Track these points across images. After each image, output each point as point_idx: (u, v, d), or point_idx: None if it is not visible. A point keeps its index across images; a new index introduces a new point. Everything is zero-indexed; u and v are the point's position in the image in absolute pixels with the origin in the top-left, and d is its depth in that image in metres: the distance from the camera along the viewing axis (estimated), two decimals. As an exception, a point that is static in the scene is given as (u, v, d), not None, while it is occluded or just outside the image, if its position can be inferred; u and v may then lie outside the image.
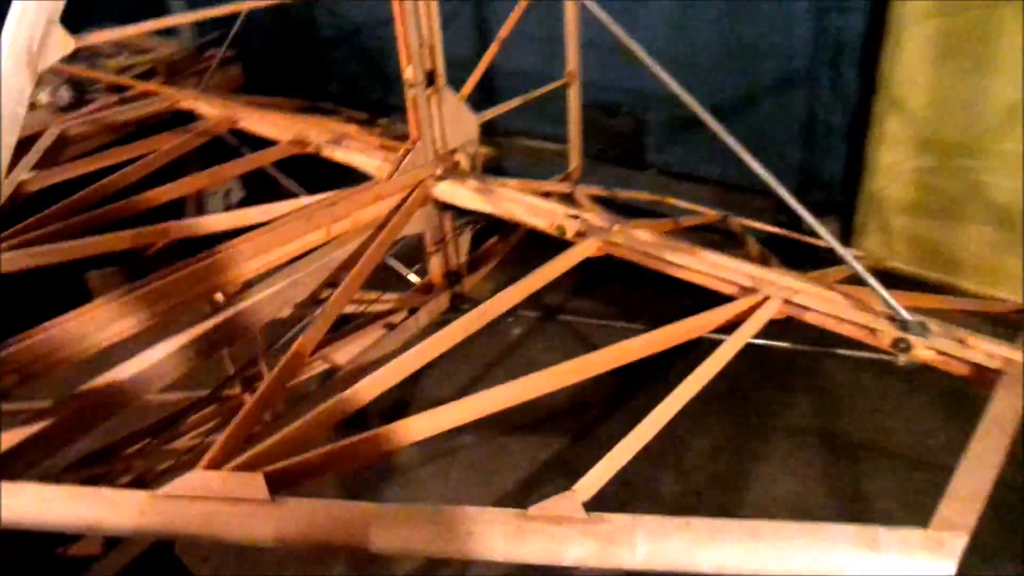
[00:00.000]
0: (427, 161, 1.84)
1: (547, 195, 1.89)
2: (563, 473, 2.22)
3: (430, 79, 1.78)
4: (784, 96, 2.73)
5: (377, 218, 1.72)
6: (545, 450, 2.27)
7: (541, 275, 1.47)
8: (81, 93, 2.83)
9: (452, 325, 1.38)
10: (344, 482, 2.09)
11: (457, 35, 3.28)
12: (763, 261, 1.87)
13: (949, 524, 0.88)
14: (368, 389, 1.23)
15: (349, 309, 1.83)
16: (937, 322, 1.25)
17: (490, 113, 2.04)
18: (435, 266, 1.99)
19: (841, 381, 2.53)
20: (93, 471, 1.50)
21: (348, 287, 1.49)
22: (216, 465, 1.05)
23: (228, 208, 2.79)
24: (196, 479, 1.02)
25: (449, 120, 1.85)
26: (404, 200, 1.76)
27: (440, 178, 1.84)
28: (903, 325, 1.23)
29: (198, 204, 2.86)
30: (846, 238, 2.83)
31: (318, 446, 1.11)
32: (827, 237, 1.38)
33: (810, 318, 1.32)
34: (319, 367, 1.86)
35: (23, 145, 2.34)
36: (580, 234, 1.60)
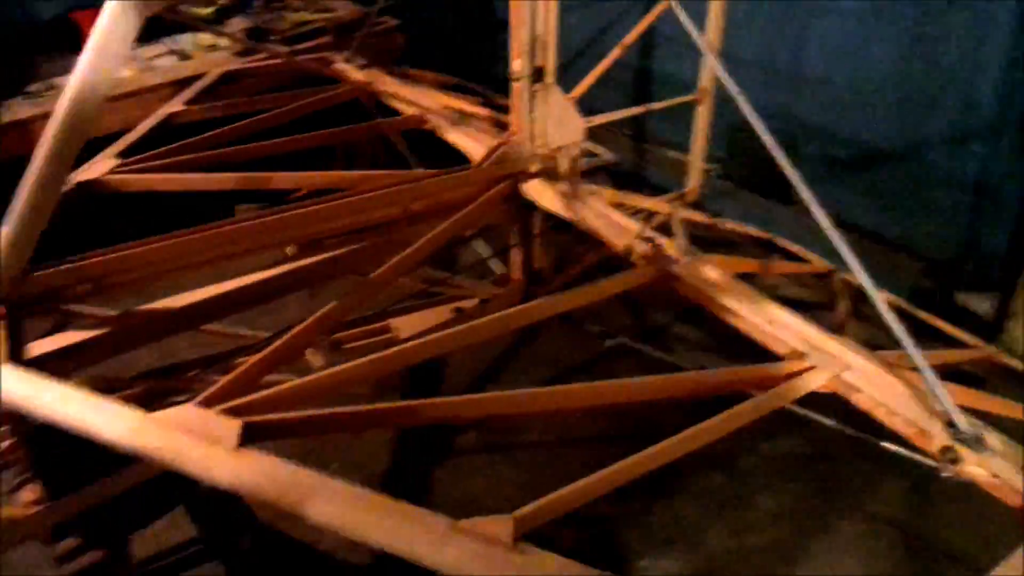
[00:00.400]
0: (522, 156, 1.83)
1: (640, 212, 1.82)
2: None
3: (538, 75, 1.76)
4: (957, 150, 2.45)
5: (457, 203, 1.73)
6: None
7: (587, 293, 1.42)
8: (258, 39, 3.08)
9: (486, 320, 1.37)
10: (393, 448, 2.14)
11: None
12: (841, 327, 1.69)
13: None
14: (388, 361, 1.26)
15: (420, 286, 1.87)
16: (1003, 439, 1.08)
17: (599, 119, 1.99)
18: (516, 261, 1.98)
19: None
20: (153, 385, 1.64)
21: (402, 261, 1.51)
22: (208, 403, 1.12)
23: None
24: (183, 413, 1.09)
25: (553, 119, 1.82)
26: (488, 190, 1.77)
27: (532, 175, 1.83)
28: (956, 432, 1.07)
29: (345, 159, 3.02)
30: (1000, 322, 2.51)
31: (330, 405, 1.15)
32: (871, 292, 1.21)
33: (859, 400, 1.18)
34: (383, 336, 1.91)
35: (189, 81, 2.59)
36: (646, 258, 1.53)
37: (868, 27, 2.52)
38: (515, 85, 1.78)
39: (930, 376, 1.10)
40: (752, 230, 2.30)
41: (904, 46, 2.46)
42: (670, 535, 2.04)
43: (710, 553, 2.04)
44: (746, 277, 1.54)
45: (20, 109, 2.58)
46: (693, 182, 2.32)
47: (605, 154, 2.36)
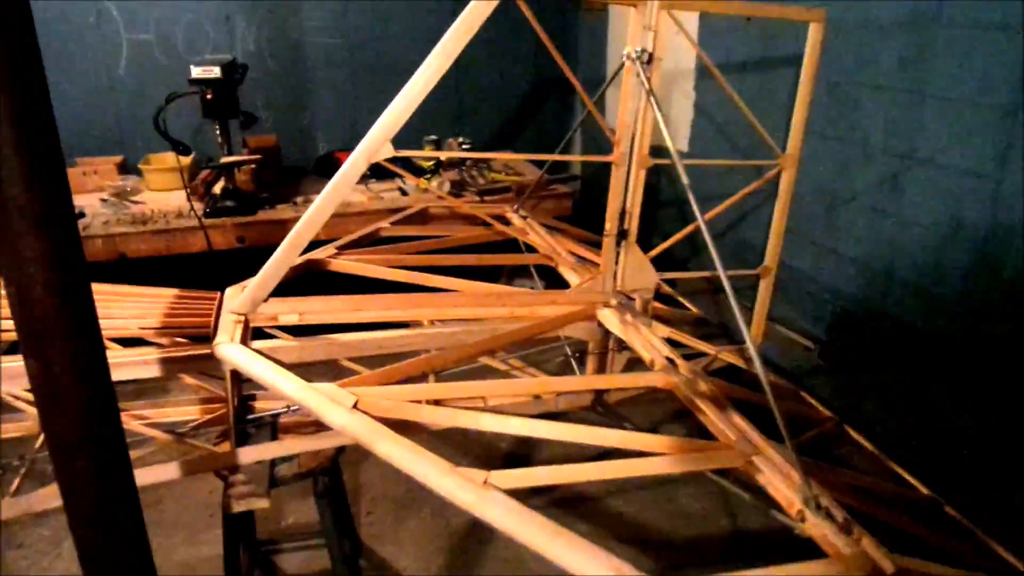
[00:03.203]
0: (602, 290, 2.48)
1: (678, 347, 2.38)
2: None
3: (623, 235, 2.44)
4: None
5: (548, 316, 2.41)
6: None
7: (604, 381, 2.00)
8: (459, 189, 4.07)
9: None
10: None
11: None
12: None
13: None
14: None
15: (502, 367, 2.53)
16: (846, 515, 1.50)
17: (669, 274, 2.60)
18: (591, 367, 2.59)
19: None
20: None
21: (489, 340, 2.20)
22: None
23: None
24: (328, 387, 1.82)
25: (631, 268, 2.48)
26: (573, 311, 2.43)
27: (608, 305, 2.47)
28: (807, 501, 1.51)
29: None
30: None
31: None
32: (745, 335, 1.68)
33: (758, 477, 1.65)
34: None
35: (400, 210, 3.57)
36: (662, 368, 2.09)
37: (941, 247, 2.94)
38: (605, 240, 2.46)
39: (798, 464, 1.56)
40: (778, 379, 2.73)
41: (970, 264, 2.84)
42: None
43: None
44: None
45: (284, 211, 3.71)
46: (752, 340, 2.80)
47: (692, 308, 2.93)
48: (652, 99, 2.19)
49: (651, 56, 2.20)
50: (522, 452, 3.23)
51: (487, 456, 3.17)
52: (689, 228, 2.66)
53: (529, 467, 1.57)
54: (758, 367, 1.72)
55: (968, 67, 2.78)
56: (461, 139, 4.73)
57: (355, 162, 2.07)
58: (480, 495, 1.45)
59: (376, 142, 2.06)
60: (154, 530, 2.88)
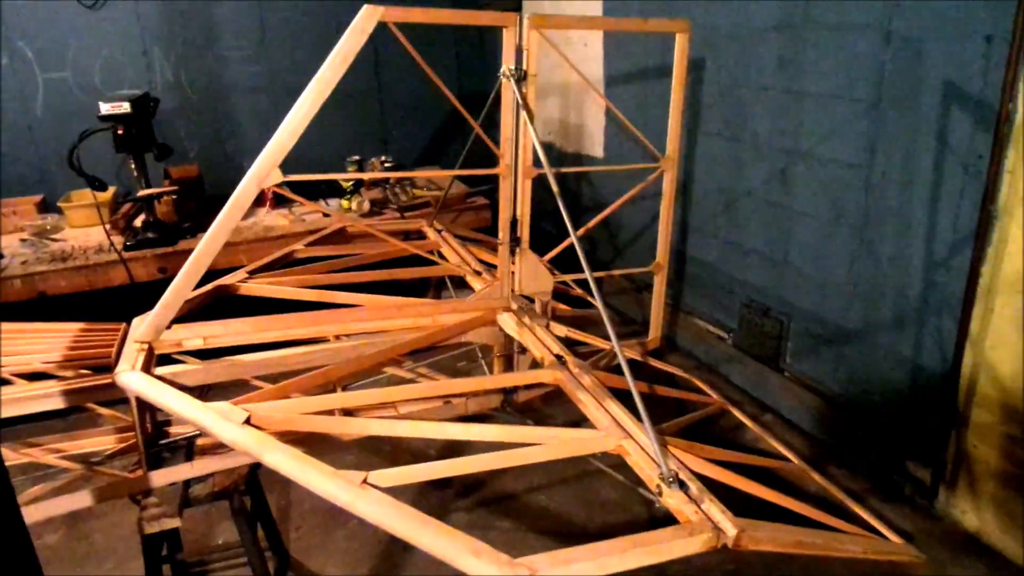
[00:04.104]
0: (500, 296, 2.61)
1: (578, 346, 2.51)
2: None
3: (517, 242, 2.57)
4: (896, 333, 2.93)
5: (449, 323, 2.52)
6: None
7: (498, 380, 2.12)
8: (382, 207, 4.18)
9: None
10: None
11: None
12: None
13: None
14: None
15: (409, 376, 2.64)
16: (700, 485, 1.63)
17: (564, 276, 2.74)
18: (496, 370, 2.71)
19: None
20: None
21: (390, 350, 2.30)
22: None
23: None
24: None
25: (526, 274, 2.61)
26: (473, 318, 2.55)
27: (507, 309, 2.59)
28: (663, 476, 1.64)
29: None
30: (935, 488, 2.84)
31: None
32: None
33: (629, 460, 1.78)
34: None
35: (319, 232, 3.66)
36: (550, 365, 2.21)
37: (829, 233, 3.13)
38: (500, 248, 2.59)
39: (655, 442, 1.69)
40: (677, 370, 2.88)
41: (853, 248, 3.03)
42: None
43: None
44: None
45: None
46: (653, 333, 2.96)
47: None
48: (527, 114, 2.32)
49: (525, 73, 2.34)
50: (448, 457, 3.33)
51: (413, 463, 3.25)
52: (565, 243, 2.77)
53: (407, 465, 1.68)
54: (621, 360, 1.86)
55: (835, 65, 2.98)
56: (384, 158, 4.84)
57: (244, 189, 2.16)
58: (356, 494, 1.56)
59: (264, 168, 2.16)
60: (83, 562, 2.94)
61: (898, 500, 2.92)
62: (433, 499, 3.06)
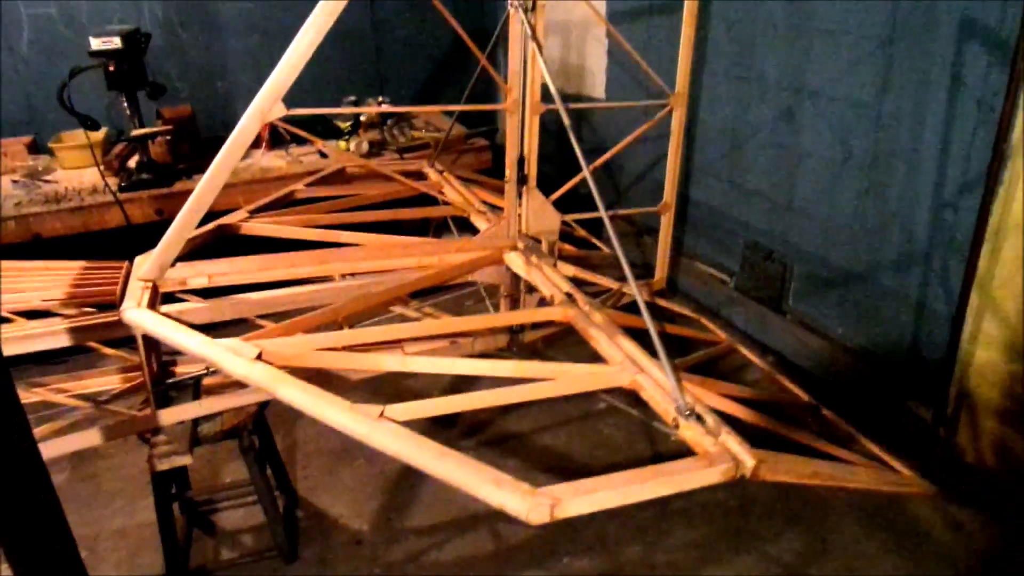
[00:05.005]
0: (507, 235, 2.58)
1: (585, 286, 2.49)
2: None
3: (523, 180, 2.53)
4: (902, 274, 2.92)
5: (455, 263, 2.49)
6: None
7: (506, 318, 2.11)
8: (380, 148, 4.11)
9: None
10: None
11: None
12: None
13: None
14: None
15: (416, 315, 2.63)
16: (716, 419, 1.64)
17: (569, 216, 2.71)
18: (503, 309, 2.69)
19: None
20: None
21: (397, 288, 2.28)
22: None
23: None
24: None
25: (533, 212, 2.57)
26: (480, 257, 2.52)
27: (514, 249, 2.56)
28: (680, 410, 1.64)
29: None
30: (937, 426, 2.87)
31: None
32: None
33: (642, 393, 1.78)
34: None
35: (317, 173, 3.60)
36: (560, 303, 2.20)
37: (836, 174, 3.10)
38: (507, 187, 2.55)
39: (672, 377, 1.69)
40: (685, 310, 2.87)
41: (860, 190, 3.01)
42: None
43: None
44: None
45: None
46: (659, 274, 2.94)
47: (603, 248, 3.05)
48: (536, 45, 2.26)
49: (534, 2, 2.27)
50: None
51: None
52: (578, 177, 2.74)
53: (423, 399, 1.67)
54: (637, 296, 1.84)
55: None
56: (381, 98, 4.73)
57: (246, 124, 2.11)
58: (373, 426, 1.55)
59: (267, 102, 2.10)
60: (91, 503, 2.95)
61: (899, 439, 2.95)
62: (438, 439, 3.06)
